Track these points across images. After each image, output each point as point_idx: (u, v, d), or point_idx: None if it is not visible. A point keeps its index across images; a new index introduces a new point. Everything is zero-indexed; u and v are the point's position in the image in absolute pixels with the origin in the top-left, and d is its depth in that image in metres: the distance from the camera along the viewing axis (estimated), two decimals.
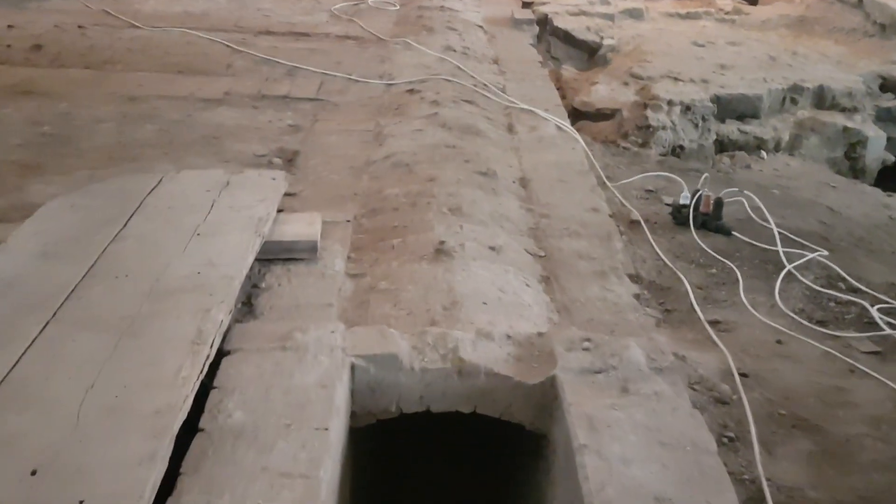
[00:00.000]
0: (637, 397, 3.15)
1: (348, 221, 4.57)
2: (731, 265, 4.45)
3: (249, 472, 2.71)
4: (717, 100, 7.50)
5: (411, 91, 6.46)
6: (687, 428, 2.98)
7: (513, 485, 4.20)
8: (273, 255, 4.16)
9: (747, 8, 11.12)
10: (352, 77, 6.80)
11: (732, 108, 7.66)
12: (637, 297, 4.08)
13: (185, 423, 2.75)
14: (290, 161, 5.41)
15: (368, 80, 6.75)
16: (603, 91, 7.71)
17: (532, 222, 4.74)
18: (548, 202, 4.94)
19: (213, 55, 7.17)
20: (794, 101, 8.12)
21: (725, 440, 3.15)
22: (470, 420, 3.84)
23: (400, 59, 7.31)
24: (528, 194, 5.08)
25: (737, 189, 5.26)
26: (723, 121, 7.71)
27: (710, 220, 4.89)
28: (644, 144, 6.74)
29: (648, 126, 7.08)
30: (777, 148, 7.58)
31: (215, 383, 3.11)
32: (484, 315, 3.69)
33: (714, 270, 4.44)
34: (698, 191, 4.99)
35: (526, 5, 9.97)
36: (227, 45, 7.36)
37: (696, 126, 7.51)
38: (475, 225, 4.48)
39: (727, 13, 10.88)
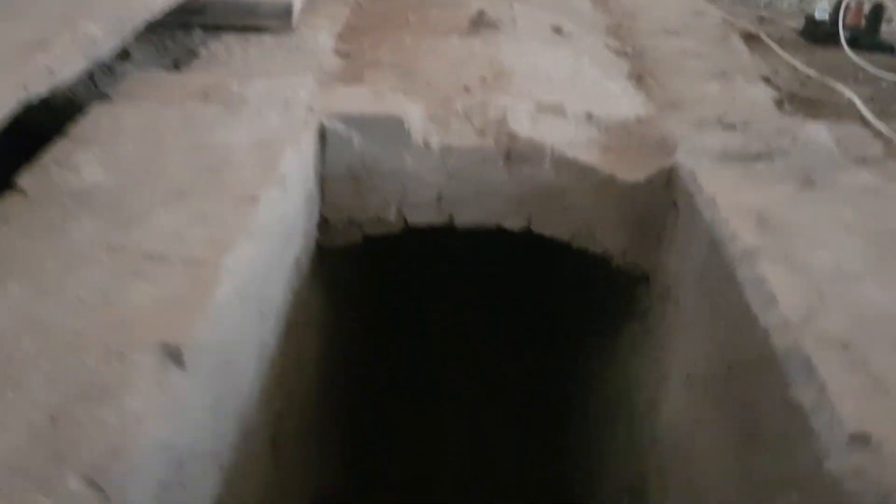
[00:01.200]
0: (834, 192, 1.72)
1: (345, 5, 3.14)
2: None
3: (88, 250, 1.33)
4: None
5: None
6: None
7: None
8: (226, 22, 2.74)
9: None
10: None
11: None
12: (779, 103, 2.62)
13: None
14: None
15: None
16: None
17: (611, 22, 3.28)
18: (631, 6, 3.48)
19: None
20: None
21: None
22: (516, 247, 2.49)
23: None
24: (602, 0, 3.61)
25: None
26: None
27: (864, 36, 3.40)
28: None
29: None
30: None
31: (66, 132, 1.73)
32: (548, 92, 2.25)
33: (885, 85, 2.97)
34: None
35: None
36: None
37: None
38: (531, 7, 3.03)
39: None
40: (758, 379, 1.36)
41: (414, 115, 1.98)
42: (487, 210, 2.03)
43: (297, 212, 1.81)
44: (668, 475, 1.80)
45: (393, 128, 1.94)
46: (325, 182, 1.99)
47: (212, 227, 1.45)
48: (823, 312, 1.31)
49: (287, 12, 2.74)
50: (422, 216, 2.05)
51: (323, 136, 1.92)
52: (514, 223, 2.05)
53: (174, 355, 1.16)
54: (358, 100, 2.02)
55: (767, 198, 1.68)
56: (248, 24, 2.72)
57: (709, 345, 1.61)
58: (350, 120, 1.93)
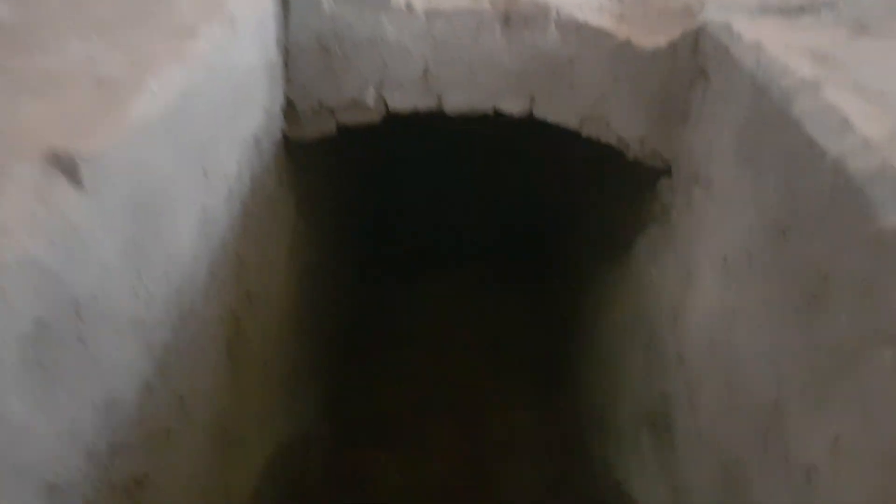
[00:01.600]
0: (893, 38, 1.43)
1: None
2: None
3: None
4: None
5: None
6: None
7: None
8: None
9: None
10: None
11: None
12: None
13: None
14: None
15: None
16: None
17: None
18: None
19: None
20: None
21: None
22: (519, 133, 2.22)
23: None
24: None
25: None
26: None
27: None
28: None
29: None
30: None
31: None
32: None
33: None
34: None
35: None
36: None
37: None
38: None
39: None
40: (824, 225, 1.07)
41: None
42: (483, 89, 1.74)
43: (253, 75, 1.51)
44: (701, 387, 1.51)
45: None
46: (289, 55, 1.69)
47: (136, 54, 1.15)
48: None
49: None
50: (406, 99, 1.75)
51: None
52: (513, 105, 1.76)
53: (66, 166, 0.87)
54: None
55: (819, 41, 1.39)
56: None
57: (753, 214, 1.31)
58: None
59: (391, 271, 3.08)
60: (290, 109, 1.76)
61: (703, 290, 1.52)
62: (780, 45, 1.36)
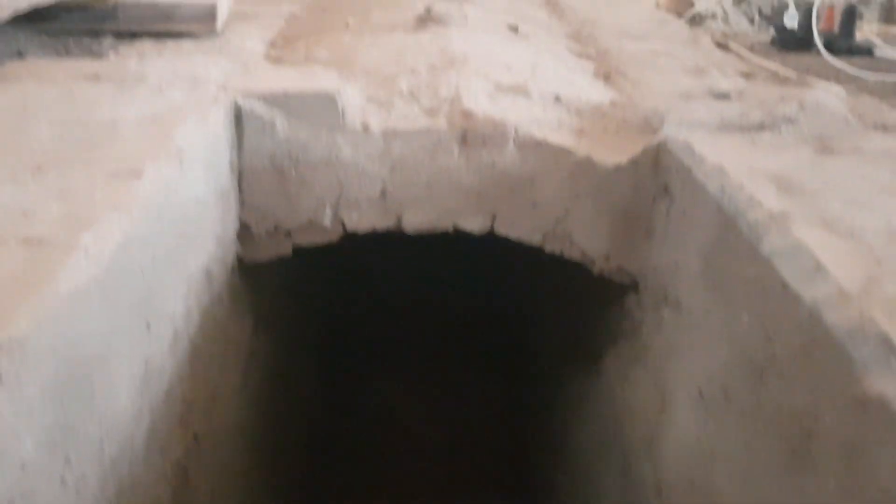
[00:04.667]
0: (859, 157, 1.42)
1: (280, 17, 2.83)
2: None
3: None
4: None
5: None
6: None
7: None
8: (141, 27, 2.40)
9: None
10: None
11: None
12: None
13: None
14: None
15: None
16: None
17: (570, 29, 3.03)
18: (590, 15, 3.25)
19: None
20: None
21: None
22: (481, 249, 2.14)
23: None
24: (559, 10, 3.38)
25: None
26: None
27: (838, 40, 3.20)
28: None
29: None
30: None
31: None
32: (508, 76, 1.94)
33: (870, 84, 2.74)
34: (814, 2, 3.30)
35: None
36: None
37: (752, 21, 5.89)
38: (484, 10, 2.76)
39: None
40: (806, 375, 1.02)
41: (349, 93, 1.65)
42: (442, 208, 1.69)
43: (204, 207, 1.44)
44: None
45: (323, 107, 1.60)
46: (243, 179, 1.63)
47: (72, 203, 1.08)
48: (889, 278, 0.99)
49: (210, 15, 2.41)
50: (363, 219, 1.70)
51: (239, 118, 1.58)
52: (474, 224, 1.71)
53: None
54: (283, 79, 1.69)
55: (783, 163, 1.37)
56: (165, 30, 2.38)
57: (726, 347, 1.26)
58: (271, 99, 1.59)
59: (351, 369, 2.98)
60: (244, 232, 1.69)
61: (679, 422, 1.46)
62: (743, 170, 1.33)
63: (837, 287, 0.98)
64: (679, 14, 5.48)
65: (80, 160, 1.22)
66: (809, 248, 1.06)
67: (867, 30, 6.38)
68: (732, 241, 1.26)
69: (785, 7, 3.51)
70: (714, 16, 5.80)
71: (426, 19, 2.40)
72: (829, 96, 1.62)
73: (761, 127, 1.55)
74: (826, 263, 1.02)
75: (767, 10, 6.04)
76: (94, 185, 1.14)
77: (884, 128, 1.56)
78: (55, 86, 1.55)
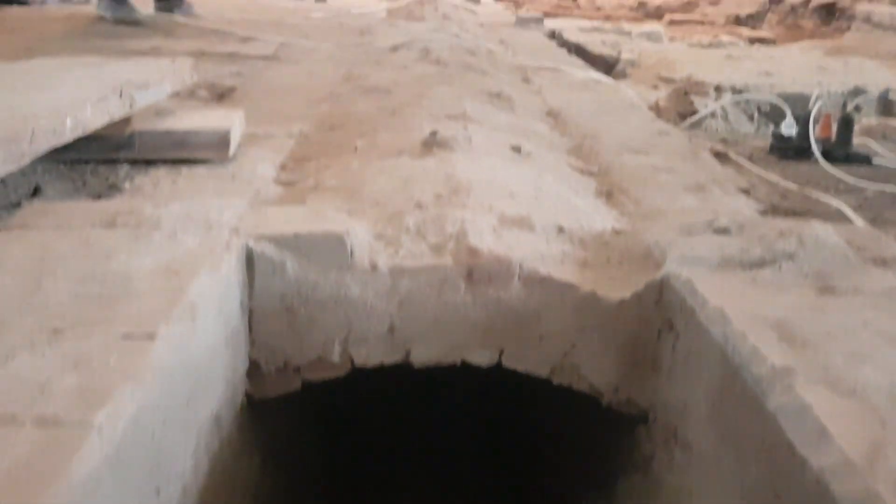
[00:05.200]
0: (861, 298, 1.44)
1: (290, 137, 2.92)
2: None
3: None
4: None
5: (395, 48, 4.96)
6: None
7: None
8: (155, 155, 2.49)
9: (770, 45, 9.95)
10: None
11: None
12: (763, 214, 2.41)
13: None
14: (221, 96, 3.81)
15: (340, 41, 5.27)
16: (630, 93, 6.28)
17: (572, 144, 3.11)
18: (591, 128, 3.33)
19: None
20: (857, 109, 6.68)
21: None
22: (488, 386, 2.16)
23: (382, 31, 5.87)
24: (561, 122, 3.47)
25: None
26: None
27: (836, 148, 3.28)
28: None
29: (693, 113, 5.59)
30: None
31: None
32: (511, 206, 1.99)
33: (869, 194, 2.79)
34: (811, 111, 3.40)
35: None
36: None
37: (752, 118, 6.02)
38: (487, 129, 2.85)
39: (752, 41, 9.67)
40: None
41: (357, 232, 1.69)
42: (450, 343, 1.71)
43: (215, 354, 1.47)
44: None
45: (332, 248, 1.64)
46: (253, 318, 1.66)
47: (87, 374, 1.10)
48: (894, 446, 0.99)
49: (224, 142, 2.50)
50: (372, 354, 1.72)
51: (250, 261, 1.62)
52: (481, 357, 1.73)
53: None
54: (292, 219, 1.74)
55: (784, 307, 1.39)
56: (180, 157, 2.47)
57: (737, 498, 1.26)
58: (282, 241, 1.64)
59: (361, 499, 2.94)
60: (254, 370, 1.71)
61: None
62: (745, 316, 1.35)
63: (843, 457, 0.98)
64: (680, 115, 5.62)
65: (96, 320, 1.25)
66: (814, 409, 1.07)
67: (865, 123, 6.52)
68: (738, 390, 1.26)
69: (782, 116, 3.61)
70: (714, 114, 5.93)
71: (431, 143, 2.48)
72: (828, 231, 1.65)
73: (762, 263, 1.58)
74: (831, 428, 1.03)
75: (766, 108, 6.18)
76: (109, 349, 1.17)
77: (883, 262, 1.58)
78: (72, 232, 1.60)
